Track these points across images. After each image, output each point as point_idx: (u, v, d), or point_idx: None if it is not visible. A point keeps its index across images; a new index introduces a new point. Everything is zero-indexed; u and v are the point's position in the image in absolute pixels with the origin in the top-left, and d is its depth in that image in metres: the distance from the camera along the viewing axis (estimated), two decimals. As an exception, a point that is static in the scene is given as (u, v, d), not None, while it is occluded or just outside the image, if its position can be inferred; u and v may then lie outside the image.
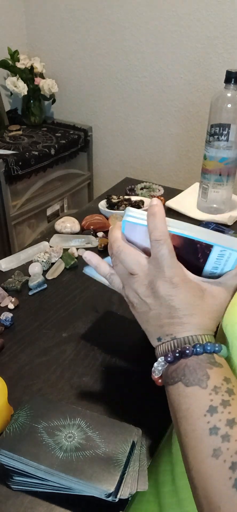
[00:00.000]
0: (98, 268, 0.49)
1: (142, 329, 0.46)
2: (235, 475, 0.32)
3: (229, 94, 0.93)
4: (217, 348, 0.40)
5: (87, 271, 0.62)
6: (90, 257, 0.49)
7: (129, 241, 0.45)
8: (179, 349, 0.40)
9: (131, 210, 0.45)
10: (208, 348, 0.40)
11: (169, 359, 0.41)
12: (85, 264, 0.80)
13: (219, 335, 0.45)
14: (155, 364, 0.43)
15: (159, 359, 0.42)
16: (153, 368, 0.43)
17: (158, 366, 0.43)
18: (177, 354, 0.40)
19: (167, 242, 0.41)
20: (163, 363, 0.42)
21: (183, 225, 0.44)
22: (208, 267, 0.44)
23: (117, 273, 0.47)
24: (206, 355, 0.40)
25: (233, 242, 0.43)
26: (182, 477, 0.48)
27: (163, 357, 0.42)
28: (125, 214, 0.44)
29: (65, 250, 0.86)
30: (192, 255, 0.44)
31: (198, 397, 0.38)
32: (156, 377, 0.44)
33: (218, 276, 0.45)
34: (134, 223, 0.44)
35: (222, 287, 0.43)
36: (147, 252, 0.44)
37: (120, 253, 0.44)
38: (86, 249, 0.88)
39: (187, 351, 0.40)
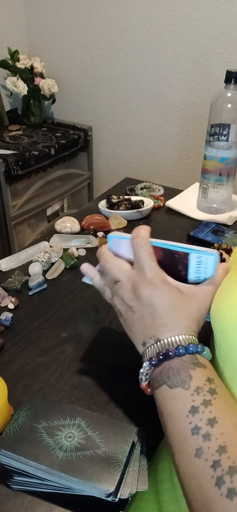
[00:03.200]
0: (93, 280, 0.54)
1: (130, 339, 0.48)
2: (216, 473, 0.32)
3: (229, 94, 0.93)
4: (199, 349, 0.41)
5: (86, 279, 0.62)
6: (87, 269, 0.54)
7: (115, 255, 0.50)
8: (163, 352, 0.42)
9: (115, 232, 0.52)
10: (191, 349, 0.41)
11: (153, 362, 0.42)
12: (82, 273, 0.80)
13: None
14: (141, 370, 0.44)
15: (144, 364, 0.43)
16: (139, 376, 0.44)
17: (144, 372, 0.44)
18: (161, 357, 0.41)
19: (147, 247, 0.46)
20: (148, 368, 0.43)
21: (163, 241, 0.48)
22: (191, 276, 0.47)
23: (106, 284, 0.51)
24: (189, 356, 0.40)
25: (208, 250, 0.46)
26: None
27: (147, 362, 0.43)
28: (110, 234, 0.51)
29: (65, 250, 0.86)
30: (173, 268, 0.47)
31: (181, 398, 0.38)
32: (144, 385, 0.45)
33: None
34: (118, 237, 0.50)
35: (200, 289, 0.46)
36: (131, 263, 0.48)
37: (105, 264, 0.49)
38: (86, 249, 0.88)
39: (170, 353, 0.41)
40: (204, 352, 0.42)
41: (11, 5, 1.87)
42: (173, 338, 0.42)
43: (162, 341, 0.43)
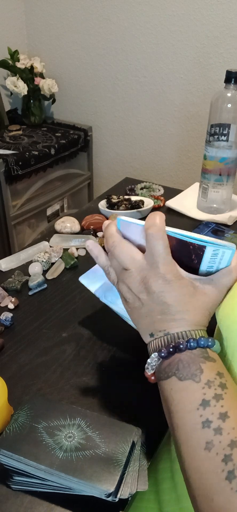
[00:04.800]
0: (98, 259, 0.50)
1: (134, 324, 0.46)
2: (227, 467, 0.32)
3: (229, 94, 0.93)
4: (210, 343, 0.40)
5: (83, 281, 0.62)
6: (92, 246, 0.51)
7: (124, 238, 0.46)
8: (173, 344, 0.41)
9: (124, 216, 0.47)
10: (202, 342, 0.40)
11: (162, 354, 0.41)
12: (85, 265, 0.80)
13: (216, 331, 0.46)
14: (149, 360, 0.43)
15: (153, 355, 0.43)
16: (146, 365, 0.43)
17: (152, 362, 0.43)
18: (171, 349, 0.41)
19: (164, 239, 0.42)
20: (156, 359, 0.42)
21: (178, 230, 0.45)
22: (203, 267, 0.45)
23: (112, 267, 0.48)
24: (200, 349, 0.40)
25: (225, 243, 0.43)
26: (180, 473, 0.49)
27: (156, 353, 0.42)
28: (119, 216, 0.46)
29: (65, 250, 0.86)
30: (186, 257, 0.45)
31: (191, 391, 0.38)
32: (149, 373, 0.44)
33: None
34: (128, 221, 0.45)
35: (213, 284, 0.44)
36: (141, 250, 0.45)
37: (114, 248, 0.45)
38: (86, 249, 0.88)
39: (181, 346, 0.40)
40: (215, 346, 0.41)
41: (11, 5, 1.87)
42: (184, 332, 0.41)
43: (172, 334, 0.42)
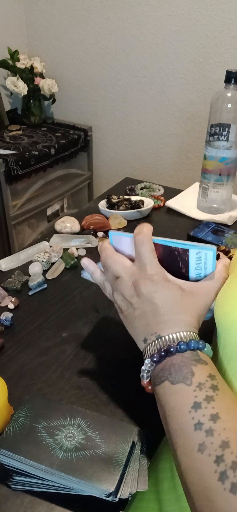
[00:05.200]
0: (94, 275, 0.54)
1: (130, 334, 0.48)
2: (220, 468, 0.33)
3: (229, 94, 0.93)
4: (201, 345, 0.41)
5: (85, 274, 0.62)
6: (88, 264, 0.55)
7: (117, 251, 0.50)
8: (164, 348, 0.42)
9: (116, 231, 0.52)
10: (192, 345, 0.41)
11: (155, 359, 0.42)
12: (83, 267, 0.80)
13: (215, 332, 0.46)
14: (143, 367, 0.44)
15: (146, 361, 0.44)
16: (141, 373, 0.44)
17: (146, 369, 0.44)
18: (163, 353, 0.41)
19: (149, 243, 0.46)
20: (149, 365, 0.43)
21: (164, 238, 0.48)
22: (192, 274, 0.47)
23: (107, 280, 0.51)
24: (190, 352, 0.41)
25: (206, 245, 0.46)
26: None
27: (149, 359, 0.43)
28: (111, 231, 0.52)
29: (65, 250, 0.86)
30: (174, 266, 0.47)
31: (183, 394, 0.38)
32: (145, 382, 0.45)
33: None
34: (120, 234, 0.50)
35: (200, 287, 0.46)
36: (132, 260, 0.48)
37: (107, 259, 0.49)
38: (86, 249, 0.88)
39: (172, 349, 0.41)
40: (205, 349, 0.42)
41: (11, 5, 1.87)
42: (174, 334, 0.42)
43: (163, 338, 0.43)
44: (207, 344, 0.42)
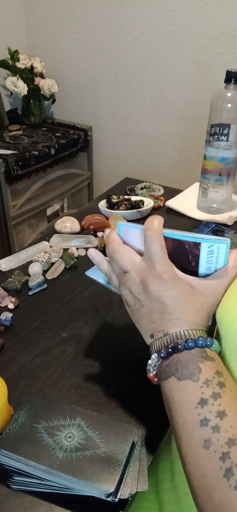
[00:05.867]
0: (101, 266, 0.52)
1: (136, 327, 0.47)
2: (225, 465, 0.33)
3: (229, 94, 0.93)
4: (208, 342, 0.41)
5: (89, 274, 0.62)
6: (94, 254, 0.52)
7: (124, 243, 0.48)
8: (172, 344, 0.41)
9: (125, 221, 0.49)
10: (200, 342, 0.41)
11: (162, 354, 0.42)
12: (85, 264, 0.80)
13: (216, 330, 0.46)
14: (149, 361, 0.44)
15: (153, 356, 0.43)
16: (147, 366, 0.44)
17: (152, 363, 0.44)
18: (170, 350, 0.41)
19: (160, 240, 0.44)
20: (156, 360, 0.43)
21: (175, 231, 0.46)
22: (202, 269, 0.45)
23: (114, 272, 0.49)
24: (198, 349, 0.40)
25: (219, 238, 0.44)
26: (180, 473, 0.49)
27: (156, 354, 0.43)
28: (120, 222, 0.49)
29: (65, 250, 0.86)
30: (184, 260, 0.46)
31: (189, 390, 0.38)
32: (151, 375, 0.45)
33: None
34: (128, 226, 0.47)
35: (210, 284, 0.44)
36: (141, 254, 0.46)
37: (114, 253, 0.47)
38: (86, 249, 0.88)
39: (179, 346, 0.41)
40: (214, 346, 0.41)
41: (11, 5, 1.87)
42: (182, 332, 0.42)
43: (171, 335, 0.42)
44: (215, 341, 0.42)
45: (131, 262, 0.46)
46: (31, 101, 1.88)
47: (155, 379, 0.45)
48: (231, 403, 0.36)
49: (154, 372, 0.44)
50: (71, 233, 0.93)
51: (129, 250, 0.47)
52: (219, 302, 0.44)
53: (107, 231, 0.50)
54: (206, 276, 0.45)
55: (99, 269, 0.53)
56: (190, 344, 0.40)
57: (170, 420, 0.41)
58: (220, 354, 0.43)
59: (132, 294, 0.46)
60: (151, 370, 0.44)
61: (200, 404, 0.37)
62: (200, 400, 0.37)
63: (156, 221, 0.44)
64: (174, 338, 0.42)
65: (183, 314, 0.43)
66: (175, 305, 0.43)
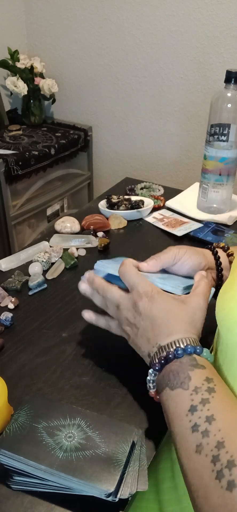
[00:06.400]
0: (98, 322, 0.58)
1: (140, 356, 0.51)
2: (216, 467, 0.34)
3: (229, 94, 0.93)
4: (198, 350, 0.43)
5: (97, 269, 0.61)
6: (89, 316, 0.59)
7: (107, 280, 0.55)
8: (164, 355, 0.44)
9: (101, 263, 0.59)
10: (189, 349, 0.43)
11: (156, 367, 0.44)
12: (85, 264, 0.80)
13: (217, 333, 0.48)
14: (148, 378, 0.46)
15: (149, 371, 0.46)
16: (147, 384, 0.47)
17: (150, 379, 0.46)
18: (163, 361, 0.44)
19: (132, 269, 0.52)
20: (153, 375, 0.45)
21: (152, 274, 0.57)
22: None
23: (111, 314, 0.54)
24: (188, 357, 0.42)
25: (173, 282, 0.54)
26: (180, 474, 0.49)
27: (151, 369, 0.45)
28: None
29: (65, 250, 0.86)
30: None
31: (181, 398, 0.40)
32: (152, 392, 0.47)
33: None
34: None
35: (190, 297, 0.49)
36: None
37: (105, 293, 0.53)
38: (86, 249, 0.88)
39: (170, 355, 0.43)
40: (204, 353, 0.43)
41: (11, 5, 1.87)
42: (172, 341, 0.44)
43: (163, 346, 0.45)
44: (205, 349, 0.43)
45: (120, 295, 0.52)
46: (31, 101, 1.88)
47: (157, 397, 0.47)
48: (220, 408, 0.37)
49: (154, 389, 0.46)
50: (71, 233, 0.93)
51: (115, 287, 0.53)
52: (205, 310, 0.49)
53: (89, 276, 0.57)
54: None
55: (96, 325, 0.58)
56: (179, 352, 0.42)
57: (169, 429, 0.43)
58: (221, 355, 0.43)
59: (128, 321, 0.51)
60: (151, 386, 0.46)
61: (191, 411, 0.38)
62: (190, 407, 0.39)
63: (125, 260, 0.53)
64: (166, 349, 0.44)
65: (172, 323, 0.46)
66: (164, 316, 0.47)
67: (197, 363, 0.42)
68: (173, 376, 0.42)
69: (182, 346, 0.43)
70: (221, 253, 0.60)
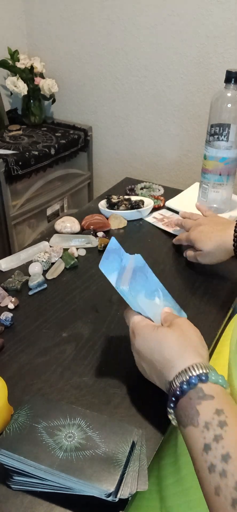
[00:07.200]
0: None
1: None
2: (236, 511, 0.32)
3: (229, 94, 0.93)
4: (203, 378, 0.40)
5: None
6: None
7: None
8: (173, 393, 0.42)
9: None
10: (193, 381, 0.40)
11: (171, 405, 0.42)
12: (85, 264, 0.80)
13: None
14: (168, 416, 0.45)
15: (168, 409, 0.44)
16: (171, 420, 0.45)
17: (170, 417, 0.44)
18: (174, 399, 0.42)
19: (129, 313, 0.54)
20: (170, 411, 0.44)
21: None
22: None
23: (137, 364, 0.53)
24: (194, 390, 0.40)
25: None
26: (186, 466, 0.49)
27: (167, 408, 0.44)
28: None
29: (65, 250, 0.86)
30: None
31: (193, 436, 0.38)
32: (175, 425, 0.45)
33: None
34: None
35: (172, 326, 0.49)
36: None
37: (132, 347, 0.54)
38: (86, 249, 0.88)
39: (178, 393, 0.41)
40: (213, 377, 0.40)
41: (11, 5, 1.87)
42: (176, 376, 0.43)
43: (171, 382, 0.43)
44: (211, 373, 0.41)
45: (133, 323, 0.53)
46: (31, 101, 1.88)
47: None
48: (235, 443, 0.35)
49: (177, 424, 0.44)
50: (71, 233, 0.93)
51: (131, 313, 0.54)
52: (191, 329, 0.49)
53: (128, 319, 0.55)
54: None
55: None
56: (184, 387, 0.40)
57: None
58: None
59: (136, 360, 0.53)
60: (173, 423, 0.45)
61: (205, 450, 0.36)
62: (204, 446, 0.36)
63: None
64: (173, 386, 0.42)
65: (171, 355, 0.44)
66: (155, 350, 0.46)
67: (204, 394, 0.39)
68: (184, 413, 0.40)
69: (185, 379, 0.41)
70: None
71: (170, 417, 0.44)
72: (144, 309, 0.53)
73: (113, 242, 0.58)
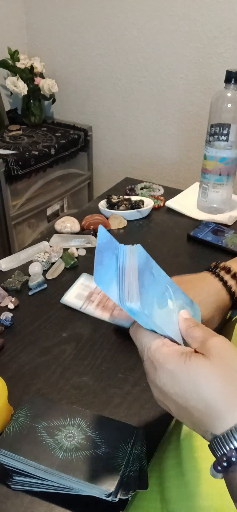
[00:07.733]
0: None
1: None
2: None
3: (229, 94, 0.93)
4: None
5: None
6: None
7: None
8: (224, 458, 0.32)
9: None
10: None
11: (219, 468, 0.32)
12: (85, 264, 0.80)
13: None
14: (210, 472, 0.34)
15: (211, 469, 0.34)
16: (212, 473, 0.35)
17: (214, 476, 0.34)
18: (225, 464, 0.32)
19: (140, 330, 0.39)
20: (216, 473, 0.33)
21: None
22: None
23: (157, 400, 0.40)
24: None
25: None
26: (191, 471, 0.48)
27: (214, 470, 0.33)
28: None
29: (65, 250, 0.86)
30: None
31: None
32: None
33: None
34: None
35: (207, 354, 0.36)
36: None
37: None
38: (86, 249, 0.88)
39: (233, 458, 0.31)
40: None
41: (11, 5, 1.87)
42: (230, 435, 0.32)
43: (219, 438, 0.32)
44: None
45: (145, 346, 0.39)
46: (31, 101, 1.88)
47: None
48: None
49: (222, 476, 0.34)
50: (71, 233, 0.93)
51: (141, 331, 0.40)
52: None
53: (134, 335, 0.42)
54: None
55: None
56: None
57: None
58: None
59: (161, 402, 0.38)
60: (220, 476, 0.34)
61: None
62: None
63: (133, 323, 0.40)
64: (225, 446, 0.32)
65: (215, 400, 0.33)
66: (205, 395, 0.33)
67: None
68: None
69: None
70: (224, 274, 0.57)
71: (211, 474, 0.34)
72: (162, 328, 0.39)
73: (102, 233, 0.44)
